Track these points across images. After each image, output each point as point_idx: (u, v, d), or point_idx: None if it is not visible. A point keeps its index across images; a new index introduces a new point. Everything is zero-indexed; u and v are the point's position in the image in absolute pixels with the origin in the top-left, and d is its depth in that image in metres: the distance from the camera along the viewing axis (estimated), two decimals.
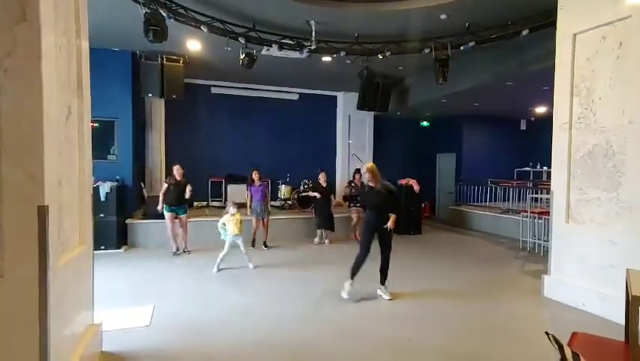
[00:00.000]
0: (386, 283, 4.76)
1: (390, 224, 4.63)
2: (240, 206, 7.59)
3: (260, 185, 7.43)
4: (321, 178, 8.08)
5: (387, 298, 4.66)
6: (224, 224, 5.87)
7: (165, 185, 6.83)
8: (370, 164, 4.83)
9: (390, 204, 4.67)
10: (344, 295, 4.59)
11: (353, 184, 8.33)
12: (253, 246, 7.31)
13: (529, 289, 5.13)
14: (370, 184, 4.69)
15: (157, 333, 3.65)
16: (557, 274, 4.77)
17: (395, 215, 4.66)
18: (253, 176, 7.50)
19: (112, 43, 7.28)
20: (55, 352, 2.20)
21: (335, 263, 6.40)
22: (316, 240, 8.01)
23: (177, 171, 6.81)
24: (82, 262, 2.91)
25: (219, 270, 5.81)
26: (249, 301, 4.56)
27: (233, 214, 5.89)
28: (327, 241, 7.99)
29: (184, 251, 6.96)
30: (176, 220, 6.86)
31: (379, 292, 4.74)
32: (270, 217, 7.66)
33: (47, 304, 2.12)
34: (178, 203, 6.76)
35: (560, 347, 1.53)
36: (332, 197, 8.13)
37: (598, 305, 4.24)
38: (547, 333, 1.65)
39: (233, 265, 6.02)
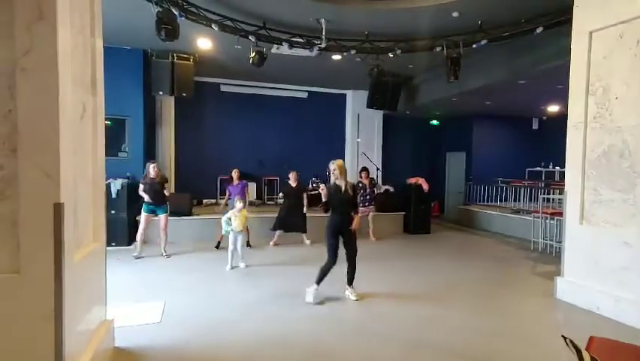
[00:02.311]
0: (353, 283, 4.61)
1: (354, 225, 4.46)
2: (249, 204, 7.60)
3: (238, 184, 7.24)
4: (291, 178, 7.60)
5: (354, 298, 4.52)
6: (229, 218, 5.84)
7: (141, 185, 6.38)
8: (339, 161, 4.58)
9: (353, 205, 4.52)
10: (309, 299, 4.39)
11: (361, 184, 8.21)
12: (217, 248, 7.05)
13: (542, 291, 5.07)
14: (337, 183, 4.45)
15: (168, 330, 3.68)
16: (570, 275, 4.71)
17: (357, 215, 4.49)
18: (232, 174, 7.29)
19: (123, 41, 7.35)
20: (69, 347, 2.23)
21: (339, 260, 6.38)
22: (271, 242, 7.49)
23: (153, 169, 6.44)
24: (95, 259, 2.94)
25: (233, 267, 5.84)
26: (258, 300, 4.57)
27: (240, 210, 5.90)
28: (308, 242, 7.62)
29: (163, 255, 6.53)
30: (155, 219, 6.52)
31: (347, 292, 4.60)
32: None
33: (62, 301, 2.15)
34: (157, 202, 6.39)
35: (579, 352, 1.50)
36: (304, 197, 7.61)
37: (612, 308, 4.17)
38: (564, 337, 1.62)
39: (243, 263, 6.04)
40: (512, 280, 5.68)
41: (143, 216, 6.43)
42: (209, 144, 9.94)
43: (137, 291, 4.79)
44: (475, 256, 7.19)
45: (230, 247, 5.87)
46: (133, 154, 7.91)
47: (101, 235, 3.09)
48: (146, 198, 6.31)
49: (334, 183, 4.50)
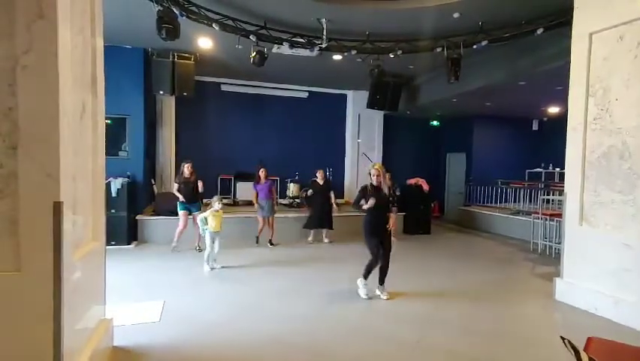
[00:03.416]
0: (385, 282, 4.72)
1: (392, 223, 4.65)
2: (248, 203, 7.70)
3: (266, 182, 7.39)
4: (319, 176, 7.91)
5: (385, 298, 4.60)
6: (205, 218, 5.74)
7: (176, 184, 6.93)
8: (379, 163, 4.84)
9: (390, 204, 4.71)
10: (362, 294, 4.59)
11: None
12: (257, 243, 7.33)
13: (541, 292, 5.07)
14: (375, 184, 4.63)
15: (167, 329, 3.68)
16: (570, 277, 4.71)
17: (394, 215, 4.72)
18: (260, 173, 7.45)
19: (124, 40, 7.34)
20: (68, 346, 2.23)
21: (341, 261, 6.40)
22: (310, 238, 7.88)
23: (187, 168, 6.90)
24: (95, 258, 2.94)
25: (212, 268, 5.74)
26: (258, 299, 4.58)
27: (217, 210, 5.78)
28: (327, 240, 7.87)
29: (196, 249, 6.85)
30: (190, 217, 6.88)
31: (377, 291, 4.68)
32: (276, 215, 7.62)
33: (62, 299, 2.15)
34: (190, 201, 6.84)
35: (577, 353, 1.50)
36: (331, 195, 7.90)
37: (611, 309, 4.17)
38: (562, 338, 1.62)
39: (242, 263, 6.05)
40: (512, 281, 5.68)
41: (180, 214, 6.81)
42: (209, 143, 9.94)
43: (136, 290, 4.79)
44: (474, 257, 7.19)
45: (208, 249, 5.76)
46: (133, 153, 7.91)
47: (101, 234, 3.09)
48: (180, 197, 6.79)
49: (371, 184, 4.65)
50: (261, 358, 3.21)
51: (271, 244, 7.43)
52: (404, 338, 3.60)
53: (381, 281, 4.70)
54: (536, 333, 3.83)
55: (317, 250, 7.39)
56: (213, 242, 5.77)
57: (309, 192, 7.95)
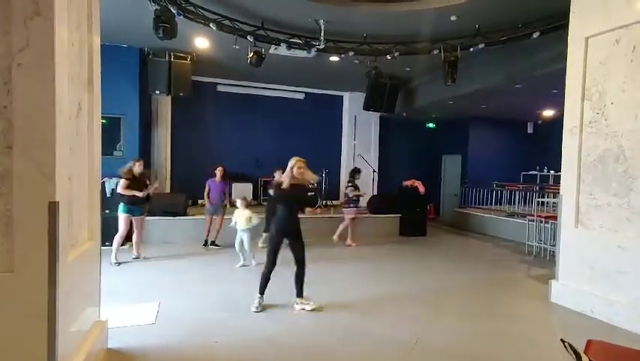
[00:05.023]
0: (304, 293, 4.27)
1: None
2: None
3: (220, 183, 7.06)
4: (276, 177, 7.42)
5: (310, 308, 4.17)
6: (250, 218, 5.89)
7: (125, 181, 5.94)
8: (294, 158, 4.20)
9: (303, 202, 4.33)
10: (253, 309, 4.14)
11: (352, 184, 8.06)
12: (205, 245, 7.11)
13: (536, 294, 5.09)
14: (294, 182, 4.13)
15: (162, 331, 3.64)
16: (565, 279, 4.73)
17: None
18: (216, 171, 7.07)
19: (120, 39, 7.30)
20: (62, 348, 2.20)
21: (336, 262, 6.38)
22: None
23: (139, 167, 6.12)
24: (90, 258, 2.90)
25: (243, 265, 5.96)
26: (252, 300, 4.53)
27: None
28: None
29: (137, 258, 6.26)
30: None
31: (297, 306, 4.21)
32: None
33: (56, 300, 2.12)
34: (134, 202, 5.99)
35: (577, 356, 1.50)
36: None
37: (606, 312, 4.19)
38: (562, 341, 1.62)
39: (238, 263, 6.01)
40: (507, 283, 5.69)
41: (122, 218, 6.02)
42: (205, 143, 9.89)
43: (131, 292, 4.74)
44: (470, 259, 7.21)
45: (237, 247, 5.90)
46: (128, 153, 7.84)
47: (96, 234, 3.05)
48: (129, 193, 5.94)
49: (289, 182, 4.16)
50: (257, 358, 3.19)
51: (214, 244, 7.11)
52: (401, 339, 3.58)
53: (299, 294, 4.24)
54: (532, 335, 3.84)
55: (312, 250, 7.34)
56: (242, 239, 5.90)
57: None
